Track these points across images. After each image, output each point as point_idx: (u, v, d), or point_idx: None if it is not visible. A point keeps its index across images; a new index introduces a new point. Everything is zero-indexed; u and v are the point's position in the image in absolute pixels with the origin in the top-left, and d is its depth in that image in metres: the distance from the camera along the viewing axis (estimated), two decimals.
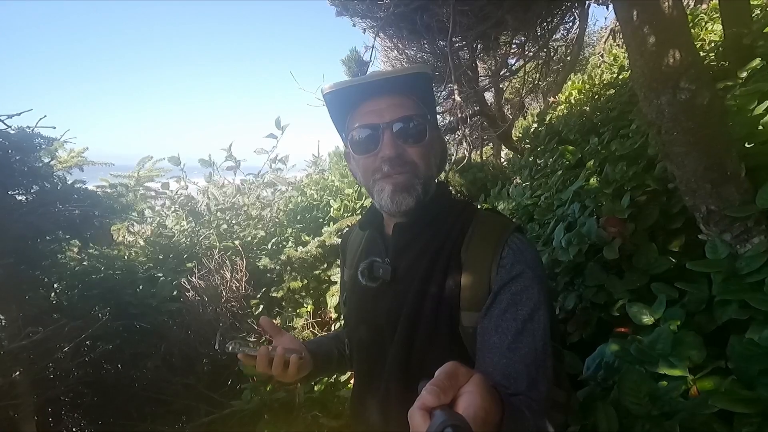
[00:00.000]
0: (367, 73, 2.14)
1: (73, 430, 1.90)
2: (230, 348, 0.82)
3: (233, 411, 1.60)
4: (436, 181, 0.92)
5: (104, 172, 2.42)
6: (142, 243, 3.42)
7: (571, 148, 2.03)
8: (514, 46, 2.85)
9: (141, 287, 2.45)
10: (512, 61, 3.96)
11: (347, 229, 1.29)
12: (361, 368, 0.92)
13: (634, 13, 1.13)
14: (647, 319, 1.08)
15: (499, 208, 2.27)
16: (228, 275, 2.46)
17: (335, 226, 3.51)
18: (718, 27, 3.14)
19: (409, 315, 0.78)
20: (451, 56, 1.77)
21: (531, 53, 2.66)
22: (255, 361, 0.82)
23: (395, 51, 3.68)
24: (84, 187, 1.82)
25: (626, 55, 4.42)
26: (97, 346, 1.86)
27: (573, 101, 4.50)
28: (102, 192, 2.13)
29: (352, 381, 2.20)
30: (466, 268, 0.76)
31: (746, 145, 1.23)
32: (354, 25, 2.38)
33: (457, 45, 2.79)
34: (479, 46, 2.83)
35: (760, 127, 1.29)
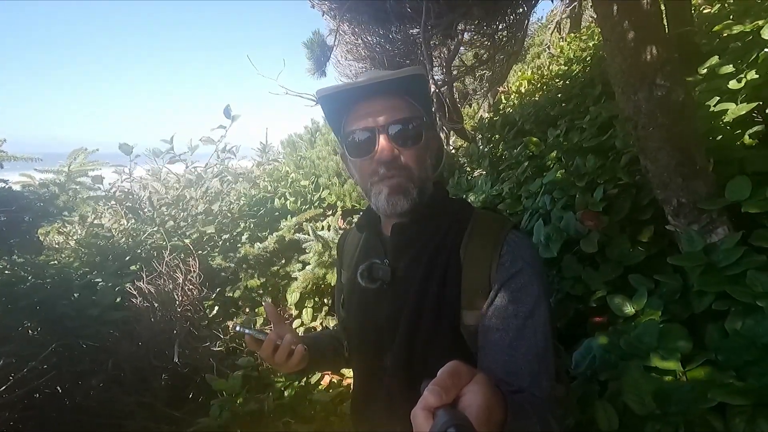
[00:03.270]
0: (329, 59, 2.03)
1: None
2: (238, 328, 0.83)
3: (199, 428, 1.47)
4: (433, 180, 0.90)
5: (30, 168, 2.09)
6: (72, 245, 3.06)
7: (535, 140, 2.07)
8: (470, 33, 2.84)
9: (77, 296, 2.18)
10: (466, 51, 4.00)
11: (344, 230, 1.24)
12: (363, 369, 0.92)
13: (614, 8, 1.13)
14: (629, 310, 1.11)
15: (470, 199, 2.28)
16: (180, 278, 2.26)
17: (294, 219, 3.38)
18: None
19: (410, 315, 0.77)
20: (425, 43, 1.71)
21: (498, 45, 2.66)
22: (259, 345, 0.82)
23: (351, 36, 3.56)
24: (7, 187, 1.54)
25: (572, 48, 4.61)
26: (30, 369, 1.62)
27: (523, 91, 4.65)
28: (30, 192, 1.83)
29: (322, 382, 2.14)
30: (465, 266, 0.77)
31: (709, 139, 1.30)
32: (313, 7, 2.23)
33: (416, 34, 2.74)
34: (438, 35, 2.80)
35: (713, 122, 1.38)
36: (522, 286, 0.73)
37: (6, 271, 1.94)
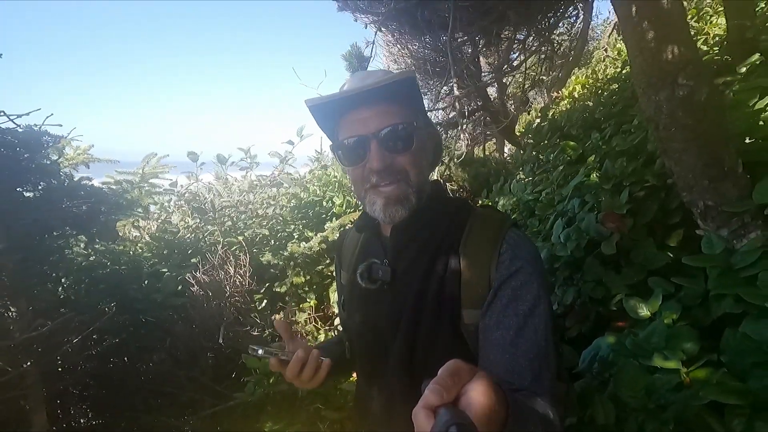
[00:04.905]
0: (367, 68, 2.15)
1: (81, 421, 1.95)
2: (261, 352, 0.79)
3: (237, 403, 1.63)
4: (432, 179, 0.91)
5: (110, 169, 2.46)
6: (147, 238, 3.45)
7: (572, 143, 2.03)
8: (516, 41, 2.84)
9: (146, 282, 2.48)
10: (515, 56, 3.95)
11: (343, 230, 1.28)
12: (364, 369, 0.93)
13: (633, 9, 1.13)
14: (644, 313, 1.09)
15: (500, 203, 2.28)
16: (231, 270, 2.49)
17: (338, 222, 3.53)
18: (723, 20, 3.11)
19: (410, 315, 0.78)
20: (451, 52, 1.77)
21: (533, 48, 2.65)
22: (284, 366, 0.79)
23: (398, 45, 3.68)
24: (90, 183, 1.85)
25: None
26: (104, 340, 1.90)
27: (576, 96, 4.48)
28: (108, 188, 2.17)
29: (353, 375, 2.23)
30: (465, 265, 0.76)
31: (746, 140, 1.24)
32: (356, 20, 2.38)
33: (459, 40, 2.79)
34: (481, 40, 2.83)
35: (761, 123, 1.29)
36: (522, 285, 0.72)
37: (90, 257, 2.27)
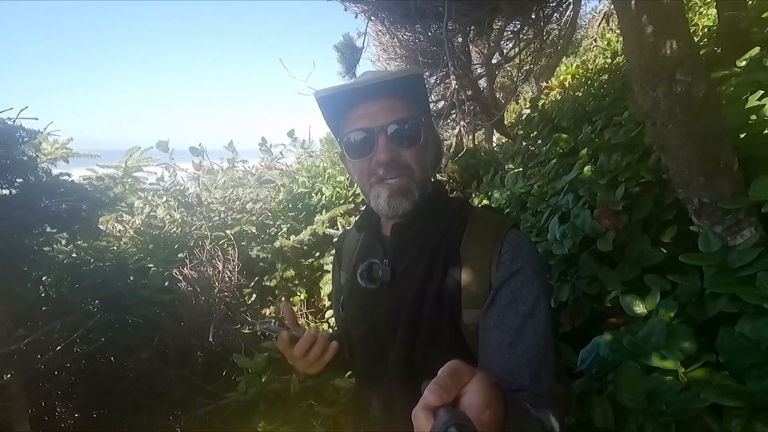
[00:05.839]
0: (358, 61, 2.10)
1: (69, 423, 1.90)
2: (275, 324, 0.80)
3: (229, 402, 1.61)
4: (432, 180, 0.91)
5: (91, 163, 2.38)
6: (131, 233, 3.37)
7: (564, 136, 2.02)
8: (508, 31, 2.81)
9: (132, 279, 2.42)
10: (508, 46, 3.92)
11: (344, 230, 1.26)
12: (363, 369, 0.93)
13: (632, 3, 1.11)
14: (640, 310, 1.09)
15: (494, 197, 2.27)
16: (220, 266, 2.44)
17: (327, 214, 3.50)
18: (713, 12, 3.12)
19: (410, 315, 0.78)
20: (447, 43, 1.73)
21: (525, 39, 2.62)
22: (293, 344, 0.81)
23: (387, 35, 3.62)
24: (70, 180, 1.78)
25: (619, 40, 4.39)
26: (89, 339, 1.84)
27: (566, 86, 4.48)
28: (89, 184, 2.09)
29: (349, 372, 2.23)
30: (465, 265, 0.76)
31: (740, 136, 1.24)
32: (346, 9, 2.31)
33: (450, 29, 2.74)
34: (472, 31, 2.79)
35: (754, 117, 1.29)
36: (522, 285, 0.73)
37: (72, 255, 2.20)
